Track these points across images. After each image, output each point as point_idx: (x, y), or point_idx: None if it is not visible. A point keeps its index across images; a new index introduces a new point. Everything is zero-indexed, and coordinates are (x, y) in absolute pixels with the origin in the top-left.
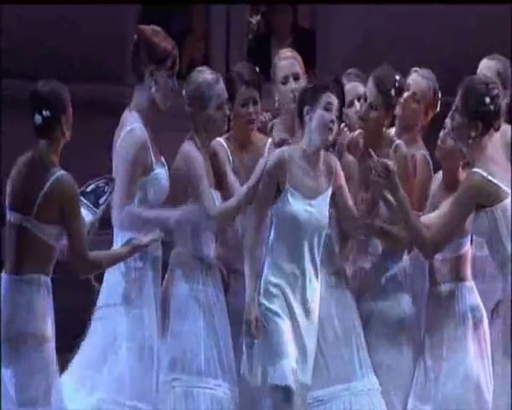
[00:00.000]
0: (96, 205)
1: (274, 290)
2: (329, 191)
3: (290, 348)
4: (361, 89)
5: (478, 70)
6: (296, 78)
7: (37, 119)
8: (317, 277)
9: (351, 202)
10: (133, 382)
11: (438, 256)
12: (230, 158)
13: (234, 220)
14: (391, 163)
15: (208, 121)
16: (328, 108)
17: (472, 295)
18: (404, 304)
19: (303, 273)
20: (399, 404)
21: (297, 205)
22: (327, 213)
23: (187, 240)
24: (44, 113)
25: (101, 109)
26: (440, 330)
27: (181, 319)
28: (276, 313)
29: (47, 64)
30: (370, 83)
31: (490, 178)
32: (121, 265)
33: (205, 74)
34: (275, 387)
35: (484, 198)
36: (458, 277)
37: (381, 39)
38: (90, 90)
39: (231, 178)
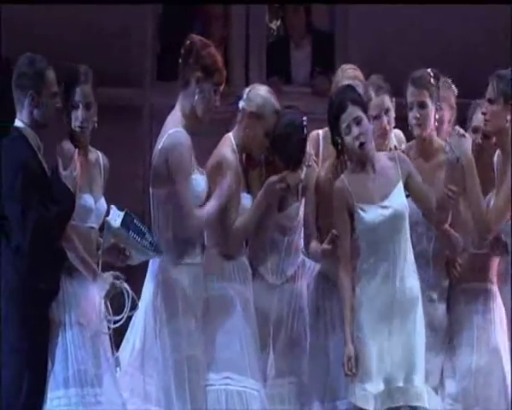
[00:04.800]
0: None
1: (367, 305)
2: (401, 182)
3: (378, 370)
4: (388, 102)
5: None
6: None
7: None
8: (413, 274)
9: (423, 185)
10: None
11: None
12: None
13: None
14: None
15: (260, 135)
16: (350, 128)
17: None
18: None
19: (395, 276)
20: None
21: (370, 215)
22: (405, 204)
23: (218, 241)
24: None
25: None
26: (471, 328)
27: (221, 319)
28: (366, 335)
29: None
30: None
31: None
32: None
33: (264, 92)
34: (356, 407)
35: None
36: (492, 277)
37: (401, 41)
38: (111, 94)
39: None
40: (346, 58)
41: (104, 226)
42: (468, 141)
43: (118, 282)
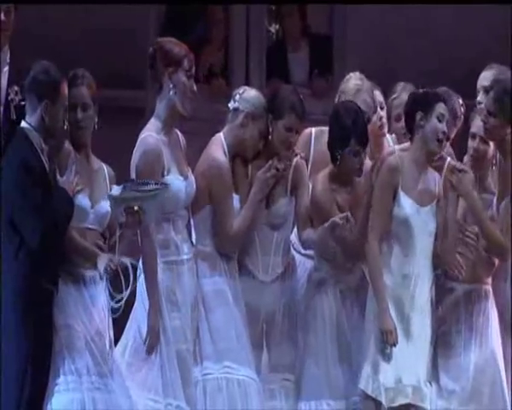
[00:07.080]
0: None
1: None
2: (442, 199)
3: (393, 360)
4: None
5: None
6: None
7: None
8: (428, 280)
9: (447, 219)
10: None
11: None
12: None
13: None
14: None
15: (256, 136)
16: (440, 119)
17: None
18: None
19: (414, 275)
20: None
21: (409, 209)
22: (435, 221)
23: (207, 237)
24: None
25: (123, 114)
26: (470, 329)
27: (215, 312)
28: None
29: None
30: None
31: None
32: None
33: (257, 93)
34: (366, 395)
35: None
36: (489, 279)
37: (399, 42)
38: (114, 95)
39: None
40: (343, 59)
41: (110, 212)
42: (469, 176)
43: (115, 257)
